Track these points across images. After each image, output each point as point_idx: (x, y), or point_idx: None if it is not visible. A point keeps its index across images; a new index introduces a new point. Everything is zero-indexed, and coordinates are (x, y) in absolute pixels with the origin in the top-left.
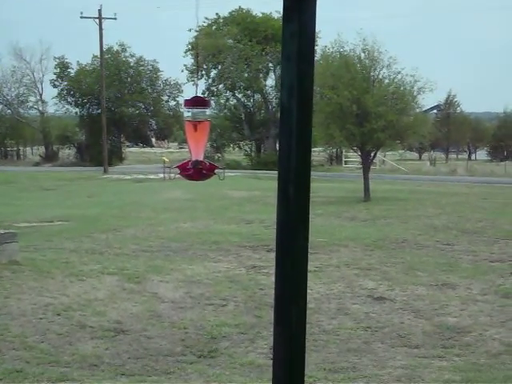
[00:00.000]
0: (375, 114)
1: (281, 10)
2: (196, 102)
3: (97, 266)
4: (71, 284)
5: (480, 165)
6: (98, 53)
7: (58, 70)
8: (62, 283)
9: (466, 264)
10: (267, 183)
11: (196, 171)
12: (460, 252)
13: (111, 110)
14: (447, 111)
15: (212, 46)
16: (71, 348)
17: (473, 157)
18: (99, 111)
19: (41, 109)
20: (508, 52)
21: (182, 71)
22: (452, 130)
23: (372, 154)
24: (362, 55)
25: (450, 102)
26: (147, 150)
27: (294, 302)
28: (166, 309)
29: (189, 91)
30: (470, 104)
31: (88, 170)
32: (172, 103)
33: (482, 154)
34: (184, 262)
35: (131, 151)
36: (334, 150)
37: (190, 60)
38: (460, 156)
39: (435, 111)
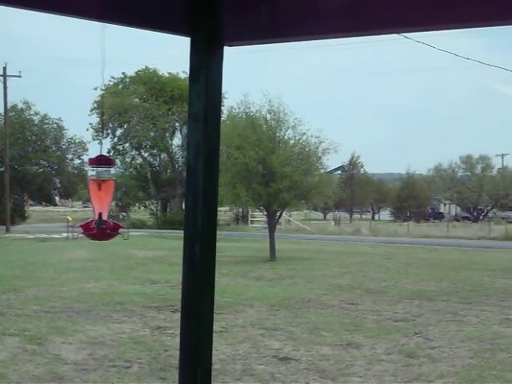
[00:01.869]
0: (281, 174)
1: (187, 70)
2: (100, 161)
3: None
4: None
5: (383, 225)
6: (1, 110)
7: None
8: None
9: (370, 324)
10: (173, 243)
11: (100, 231)
12: (364, 311)
13: (14, 168)
14: (351, 172)
15: (118, 105)
16: None
17: (376, 217)
18: (2, 169)
19: None
20: (405, 115)
21: (88, 129)
22: (356, 191)
23: (278, 214)
24: (268, 116)
25: (353, 163)
26: (51, 208)
27: (199, 363)
28: (69, 370)
29: (94, 149)
30: (373, 165)
31: None
32: (77, 161)
33: (385, 215)
34: (87, 323)
35: (34, 210)
36: (241, 210)
37: (95, 118)
38: (364, 216)
39: (339, 172)
